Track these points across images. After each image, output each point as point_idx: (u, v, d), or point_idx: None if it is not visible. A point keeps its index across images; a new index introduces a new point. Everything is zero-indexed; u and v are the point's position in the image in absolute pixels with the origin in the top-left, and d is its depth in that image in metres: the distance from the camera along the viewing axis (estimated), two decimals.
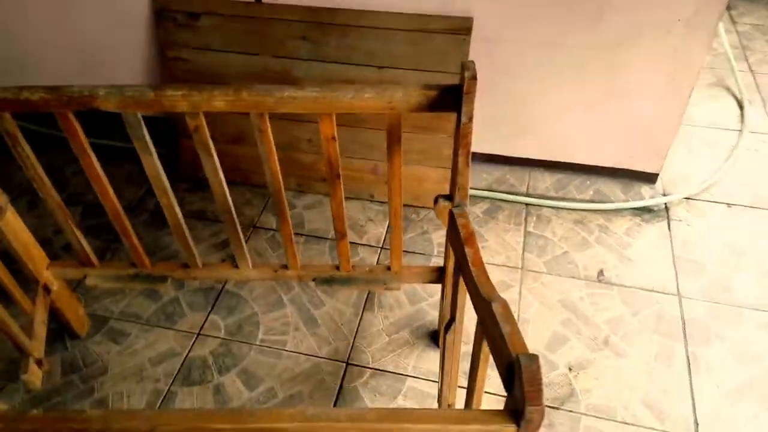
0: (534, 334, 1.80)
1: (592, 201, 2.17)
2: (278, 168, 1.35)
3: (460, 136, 1.06)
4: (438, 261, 2.02)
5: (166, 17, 2.09)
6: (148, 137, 1.32)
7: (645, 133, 2.07)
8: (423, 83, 1.19)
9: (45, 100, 1.24)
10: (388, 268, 1.56)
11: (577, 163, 2.22)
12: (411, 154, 2.10)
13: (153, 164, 1.36)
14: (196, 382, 1.72)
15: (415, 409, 0.71)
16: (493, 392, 1.64)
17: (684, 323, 1.83)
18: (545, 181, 2.25)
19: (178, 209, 1.47)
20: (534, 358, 0.69)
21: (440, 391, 1.31)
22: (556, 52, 1.92)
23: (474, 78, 1.11)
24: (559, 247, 2.04)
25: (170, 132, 2.27)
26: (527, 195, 2.21)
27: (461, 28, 1.91)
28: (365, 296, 1.91)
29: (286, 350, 1.77)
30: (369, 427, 0.71)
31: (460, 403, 1.32)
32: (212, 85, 1.22)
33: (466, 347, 1.60)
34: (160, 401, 1.68)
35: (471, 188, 2.15)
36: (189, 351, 1.79)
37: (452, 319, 1.12)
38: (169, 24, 2.10)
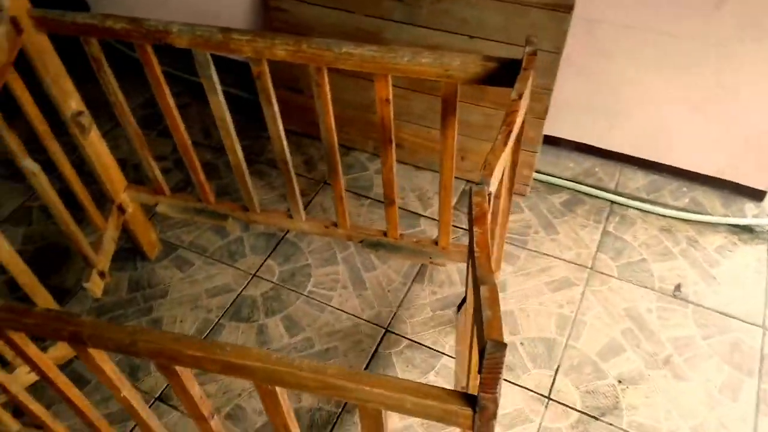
0: (588, 339, 1.69)
1: (685, 210, 1.98)
2: (333, 123, 1.34)
3: (506, 112, 0.99)
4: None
5: None
6: (215, 77, 1.35)
7: (757, 142, 1.85)
8: (485, 54, 1.12)
9: (126, 30, 1.30)
10: (436, 243, 1.52)
11: (676, 166, 2.03)
12: (492, 131, 2.01)
13: (219, 104, 1.40)
14: (244, 320, 1.79)
15: (380, 375, 0.69)
16: (510, 380, 1.58)
17: (762, 358, 1.64)
18: (637, 180, 2.09)
19: (240, 152, 1.51)
20: (501, 346, 0.64)
21: (455, 372, 1.26)
22: (663, 40, 1.75)
23: (534, 54, 1.03)
24: (638, 252, 1.89)
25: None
26: (615, 192, 2.06)
27: (562, 5, 1.78)
28: (417, 268, 1.88)
29: (330, 306, 1.80)
30: (328, 381, 0.70)
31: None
32: (274, 33, 1.23)
33: None
34: (208, 331, 1.77)
35: (552, 176, 2.06)
36: (243, 289, 1.86)
37: (464, 299, 1.07)
38: None
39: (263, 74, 1.30)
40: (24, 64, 1.37)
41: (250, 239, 2.00)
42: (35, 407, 1.14)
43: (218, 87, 1.37)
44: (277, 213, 1.65)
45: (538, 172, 2.13)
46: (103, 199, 1.73)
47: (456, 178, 2.11)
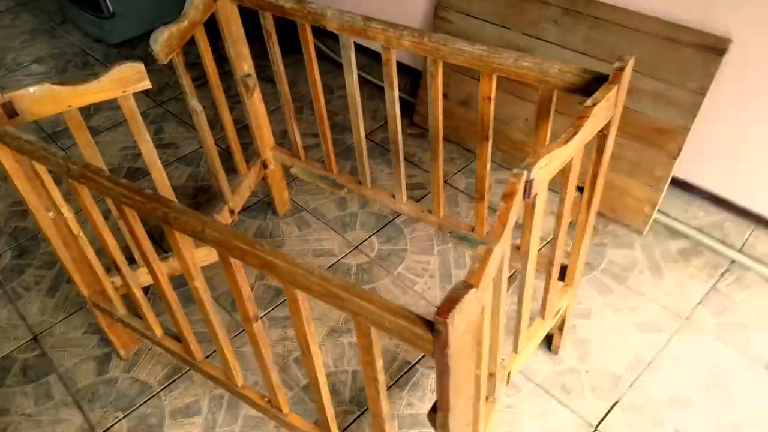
0: (659, 384, 1.64)
1: None
2: (441, 114, 1.48)
3: (577, 117, 1.06)
4: (600, 277, 1.93)
5: None
6: (353, 59, 1.56)
7: None
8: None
9: (293, 9, 1.55)
10: (518, 248, 1.59)
11: None
12: (620, 162, 2.01)
13: (352, 83, 1.61)
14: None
15: (373, 294, 0.82)
16: (563, 401, 1.58)
17: None
18: (767, 245, 1.95)
19: (362, 131, 1.70)
20: (468, 286, 0.74)
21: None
22: None
23: (620, 69, 1.08)
24: (743, 316, 1.78)
25: (417, 85, 2.54)
26: (739, 251, 1.95)
27: (714, 47, 1.76)
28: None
29: (413, 290, 1.93)
30: (329, 288, 0.84)
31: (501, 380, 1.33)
32: (404, 26, 1.40)
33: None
34: None
35: (677, 221, 2.00)
36: (343, 257, 2.06)
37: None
38: None
39: (390, 61, 1.47)
40: (213, 26, 1.68)
41: (363, 216, 2.20)
42: (144, 302, 1.42)
43: (354, 68, 1.57)
44: (384, 192, 1.81)
45: (662, 213, 2.08)
46: (252, 154, 2.03)
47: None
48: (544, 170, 0.99)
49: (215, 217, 1.85)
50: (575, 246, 1.41)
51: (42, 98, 1.27)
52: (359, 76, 2.41)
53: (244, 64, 1.80)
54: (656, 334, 1.76)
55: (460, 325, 0.74)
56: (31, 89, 1.25)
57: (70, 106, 1.32)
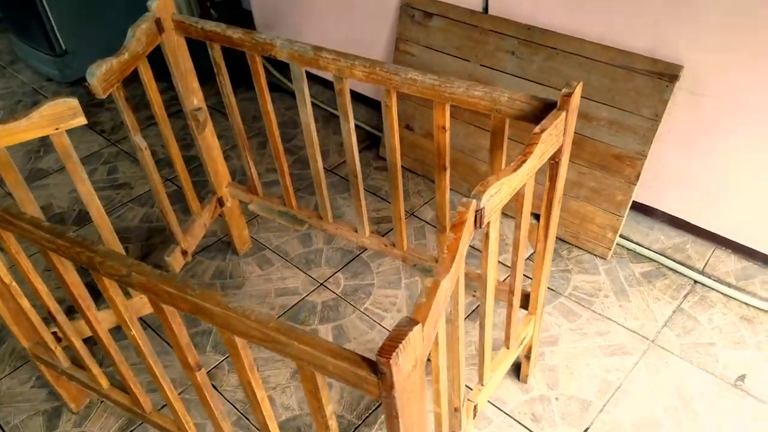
0: (627, 407, 1.61)
1: None
2: (398, 144, 1.45)
3: (527, 143, 1.04)
4: (567, 303, 1.91)
5: (407, 12, 2.32)
6: (306, 90, 1.53)
7: None
8: (531, 94, 1.18)
9: (242, 40, 1.53)
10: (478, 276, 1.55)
11: None
12: (581, 189, 2.01)
13: (306, 115, 1.58)
14: (299, 322, 1.92)
15: (313, 336, 0.77)
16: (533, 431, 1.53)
17: None
18: (728, 264, 1.95)
19: (320, 162, 1.67)
20: (412, 322, 0.70)
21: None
22: None
23: (567, 96, 1.07)
24: (709, 336, 1.77)
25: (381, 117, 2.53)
26: (700, 272, 1.95)
27: (666, 74, 1.78)
28: (473, 307, 1.90)
29: (381, 325, 1.87)
30: (268, 333, 0.79)
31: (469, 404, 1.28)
32: (356, 56, 1.38)
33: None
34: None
35: (640, 245, 2.00)
36: (307, 295, 2.00)
37: None
38: (407, 19, 2.33)
39: (343, 92, 1.45)
40: (161, 58, 1.64)
41: (328, 252, 2.15)
42: (85, 353, 1.34)
43: (308, 99, 1.54)
44: (346, 226, 1.77)
45: (624, 238, 2.07)
46: (204, 191, 1.97)
47: None
48: (494, 198, 0.97)
49: (166, 259, 1.78)
50: (535, 274, 1.38)
51: None
52: (324, 109, 2.39)
53: (193, 97, 1.77)
54: (623, 357, 1.73)
55: (405, 364, 0.69)
56: None
57: None
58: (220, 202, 2.01)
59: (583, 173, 2.00)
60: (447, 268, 0.82)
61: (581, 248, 2.08)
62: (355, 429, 1.63)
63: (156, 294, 0.90)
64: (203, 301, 0.83)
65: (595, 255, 2.05)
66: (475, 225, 0.96)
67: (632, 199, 1.94)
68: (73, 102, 1.33)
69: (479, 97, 1.21)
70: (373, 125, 2.65)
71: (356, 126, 2.66)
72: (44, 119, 1.32)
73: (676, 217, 2.04)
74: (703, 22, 1.64)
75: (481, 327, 1.21)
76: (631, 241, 2.08)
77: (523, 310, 1.50)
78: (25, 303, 1.35)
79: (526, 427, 1.59)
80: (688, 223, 2.02)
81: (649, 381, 1.67)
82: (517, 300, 1.32)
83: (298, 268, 2.10)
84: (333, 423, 0.90)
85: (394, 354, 0.67)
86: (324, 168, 1.70)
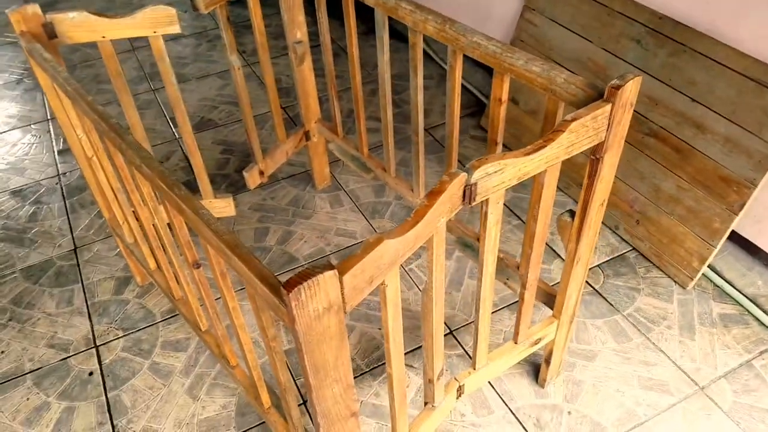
0: None
1: None
2: (458, 108, 1.42)
3: (553, 129, 0.97)
4: (621, 322, 1.78)
5: None
6: (386, 38, 1.53)
7: None
8: (590, 81, 1.08)
9: None
10: (518, 267, 1.50)
11: None
12: (678, 207, 1.83)
13: (383, 63, 1.58)
14: None
15: (252, 255, 0.80)
16: None
17: None
18: None
19: (390, 114, 1.67)
20: (328, 267, 0.70)
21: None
22: None
23: (616, 88, 0.97)
24: (767, 401, 1.56)
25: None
26: None
27: None
28: (506, 294, 1.83)
29: (418, 287, 1.87)
30: (218, 243, 0.83)
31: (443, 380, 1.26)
32: (431, 10, 1.35)
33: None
34: (318, 257, 2.00)
35: (729, 284, 1.81)
36: (362, 241, 2.04)
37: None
38: None
39: (416, 45, 1.43)
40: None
41: (395, 206, 2.17)
42: (137, 232, 1.47)
43: (386, 47, 1.54)
44: (405, 183, 1.77)
45: (715, 272, 1.87)
46: (292, 126, 2.05)
47: (624, 240, 1.98)
48: (493, 177, 0.92)
49: (244, 174, 1.90)
50: (563, 277, 1.30)
51: (79, 25, 1.36)
52: (442, 68, 2.33)
53: (297, 30, 1.83)
54: (661, 395, 1.59)
55: (312, 303, 0.71)
56: (71, 15, 1.34)
57: (104, 36, 1.40)
58: (307, 136, 2.09)
59: (682, 188, 1.82)
60: (401, 231, 0.81)
61: (662, 270, 1.90)
62: (361, 374, 1.66)
63: (155, 187, 0.98)
64: (182, 202, 0.89)
65: (675, 281, 1.87)
66: (464, 200, 0.92)
67: (731, 229, 1.73)
68: (171, 10, 1.45)
69: (536, 74, 1.14)
70: (485, 93, 2.58)
71: (467, 90, 2.61)
72: (146, 21, 1.45)
73: None
74: None
75: (476, 311, 1.17)
76: (722, 277, 1.87)
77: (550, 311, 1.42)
78: (101, 176, 1.52)
79: (526, 430, 1.53)
80: None
81: (680, 428, 1.52)
82: (530, 295, 1.26)
83: (363, 214, 2.15)
84: (277, 346, 0.93)
85: (296, 289, 0.68)
86: (424, 128, 1.70)
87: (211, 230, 0.84)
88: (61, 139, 2.61)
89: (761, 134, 1.62)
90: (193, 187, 2.29)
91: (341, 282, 0.73)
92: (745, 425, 1.52)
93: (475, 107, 2.60)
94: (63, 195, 2.32)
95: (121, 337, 1.80)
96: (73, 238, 2.13)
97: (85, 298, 1.92)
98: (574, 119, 0.96)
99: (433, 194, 0.85)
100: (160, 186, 0.94)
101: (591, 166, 1.09)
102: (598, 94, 1.05)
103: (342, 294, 0.73)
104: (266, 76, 1.83)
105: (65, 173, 2.43)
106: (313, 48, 1.91)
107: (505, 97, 1.27)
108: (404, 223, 0.83)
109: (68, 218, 2.21)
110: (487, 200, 0.97)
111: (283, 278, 1.89)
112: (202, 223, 0.85)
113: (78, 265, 2.03)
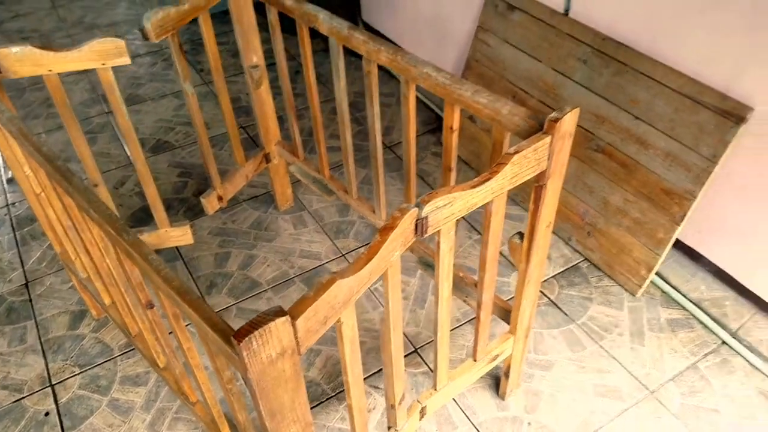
0: None
1: None
2: (413, 135, 1.45)
3: (497, 162, 1.01)
4: (576, 331, 1.84)
5: (492, 2, 2.27)
6: (342, 65, 1.55)
7: None
8: (531, 112, 1.13)
9: (292, 8, 1.57)
10: (475, 285, 1.54)
11: None
12: (625, 218, 1.91)
13: (339, 89, 1.60)
14: (310, 286, 1.98)
15: (203, 303, 0.81)
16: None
17: None
18: (765, 333, 1.78)
19: (349, 138, 1.69)
20: (279, 313, 0.72)
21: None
22: None
23: (555, 120, 1.02)
24: (715, 402, 1.64)
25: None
26: (732, 334, 1.80)
27: (734, 114, 1.63)
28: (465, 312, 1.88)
29: (383, 306, 1.90)
30: (168, 291, 0.84)
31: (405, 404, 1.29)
32: (384, 41, 1.38)
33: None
34: (280, 281, 2.01)
35: (676, 290, 1.88)
36: (327, 262, 2.07)
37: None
38: (491, 9, 2.28)
39: (371, 74, 1.46)
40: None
41: (359, 225, 2.19)
42: (91, 268, 1.46)
43: (342, 74, 1.57)
44: (367, 205, 1.80)
45: (662, 278, 1.95)
46: (253, 146, 2.06)
47: (576, 251, 2.05)
48: (443, 210, 0.96)
49: (201, 200, 1.90)
50: (516, 295, 1.34)
51: (24, 59, 1.35)
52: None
53: (253, 54, 1.84)
54: (614, 401, 1.65)
55: (264, 350, 0.72)
56: (14, 49, 1.33)
57: (50, 70, 1.39)
58: (267, 158, 2.10)
59: (629, 201, 1.89)
60: (355, 269, 0.84)
61: (612, 279, 1.98)
62: (327, 399, 1.68)
63: (104, 231, 0.98)
64: (131, 248, 0.90)
65: (625, 289, 1.95)
66: (416, 233, 0.95)
67: (675, 238, 1.81)
68: (120, 42, 1.45)
69: (483, 105, 1.18)
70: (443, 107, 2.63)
71: (427, 107, 2.66)
72: (93, 53, 1.44)
73: (723, 270, 1.89)
74: None
75: (435, 333, 1.21)
76: (669, 284, 1.95)
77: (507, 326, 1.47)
78: (51, 213, 1.50)
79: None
80: (734, 279, 1.86)
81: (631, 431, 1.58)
82: (486, 315, 1.30)
83: (327, 234, 2.17)
84: (234, 387, 0.95)
85: (246, 339, 0.70)
86: (383, 144, 1.73)
87: (161, 277, 0.85)
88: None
89: (698, 149, 1.71)
90: (148, 212, 2.28)
91: (294, 326, 0.75)
92: (692, 425, 1.59)
93: (435, 124, 2.65)
94: (12, 226, 2.27)
95: (78, 374, 1.77)
96: (24, 272, 2.09)
97: (39, 334, 1.89)
98: (516, 152, 1.00)
99: (386, 230, 0.88)
100: (108, 231, 0.95)
101: (535, 193, 1.14)
102: (539, 125, 1.09)
103: (296, 338, 0.76)
104: (222, 100, 1.83)
105: (14, 203, 2.38)
106: (271, 66, 1.92)
107: (456, 125, 1.31)
108: (358, 260, 0.85)
109: (18, 251, 2.16)
110: (438, 231, 1.00)
111: (247, 305, 1.92)
112: (152, 270, 0.86)
113: (30, 300, 1.99)
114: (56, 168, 1.04)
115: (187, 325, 1.81)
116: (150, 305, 1.13)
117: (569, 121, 1.04)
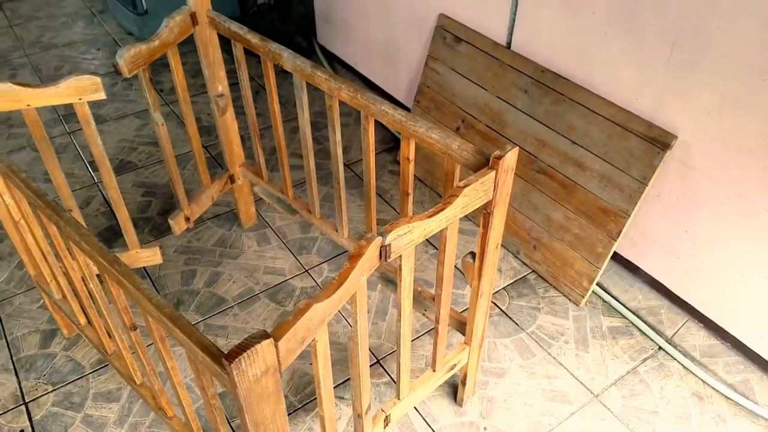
0: None
1: (732, 387, 1.84)
2: (373, 164, 1.58)
3: (449, 194, 1.15)
4: (526, 340, 1.99)
5: (440, 34, 2.42)
6: (305, 100, 1.67)
7: None
8: (479, 149, 1.27)
9: (257, 45, 1.68)
10: (433, 299, 1.67)
11: (740, 340, 1.89)
12: (567, 234, 2.07)
13: (303, 120, 1.72)
14: (276, 301, 2.09)
15: (191, 327, 0.91)
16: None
17: None
18: (697, 338, 1.97)
19: (312, 162, 1.81)
20: (265, 336, 0.83)
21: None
22: (753, 211, 1.68)
23: (498, 158, 1.16)
24: (654, 404, 1.81)
25: None
26: (668, 340, 1.98)
27: (659, 141, 1.81)
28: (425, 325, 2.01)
29: (347, 321, 2.01)
30: (159, 316, 0.94)
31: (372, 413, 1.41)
32: (344, 79, 1.51)
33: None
34: (246, 297, 2.10)
35: (615, 299, 2.05)
36: (291, 278, 2.17)
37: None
38: (439, 40, 2.43)
39: (333, 108, 1.58)
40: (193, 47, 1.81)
41: (321, 242, 2.30)
42: (67, 290, 1.53)
43: (306, 107, 1.68)
44: (329, 224, 1.91)
45: (603, 289, 2.12)
46: (217, 168, 2.15)
47: (524, 264, 2.21)
48: (404, 237, 1.08)
49: (170, 221, 1.98)
50: (470, 309, 1.48)
51: (3, 95, 1.42)
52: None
53: (218, 84, 1.94)
54: (562, 405, 1.80)
55: (252, 370, 0.83)
56: None
57: (28, 105, 1.46)
58: (232, 179, 2.19)
59: (569, 218, 2.06)
60: (328, 293, 0.95)
61: (558, 290, 2.14)
62: (294, 411, 1.78)
63: (95, 262, 1.07)
64: (123, 277, 0.99)
65: (569, 299, 2.11)
66: (381, 258, 1.08)
67: (613, 252, 1.98)
68: (96, 79, 1.53)
69: (435, 140, 1.32)
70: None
71: (383, 127, 2.79)
72: (70, 89, 1.52)
73: (657, 280, 2.07)
74: (701, 101, 1.67)
75: (398, 346, 1.33)
76: (609, 294, 2.12)
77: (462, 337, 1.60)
78: (29, 238, 1.57)
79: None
80: (667, 289, 2.05)
81: None
82: (443, 328, 1.43)
83: (290, 251, 2.27)
84: (217, 403, 1.05)
85: (237, 360, 0.80)
86: (344, 163, 1.84)
87: (153, 305, 0.95)
88: None
89: (629, 172, 1.89)
90: (115, 230, 2.33)
91: (276, 348, 0.86)
92: (633, 426, 1.76)
93: (391, 143, 2.79)
94: None
95: (51, 391, 1.82)
96: None
97: (10, 353, 1.93)
98: (466, 185, 1.14)
99: (354, 257, 0.99)
100: (99, 262, 1.04)
101: (484, 219, 1.28)
102: (485, 159, 1.24)
103: (278, 357, 0.87)
104: (189, 127, 1.92)
105: None
106: (233, 86, 2.02)
107: (412, 156, 1.44)
108: (330, 285, 0.97)
109: None
110: (400, 256, 1.13)
111: (214, 321, 2.00)
112: (143, 298, 0.96)
113: (0, 320, 2.03)
114: (47, 203, 1.13)
115: (173, 346, 1.88)
116: (133, 327, 1.22)
117: (510, 158, 1.19)
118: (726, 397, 1.81)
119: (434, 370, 1.54)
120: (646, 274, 2.09)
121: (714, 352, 1.93)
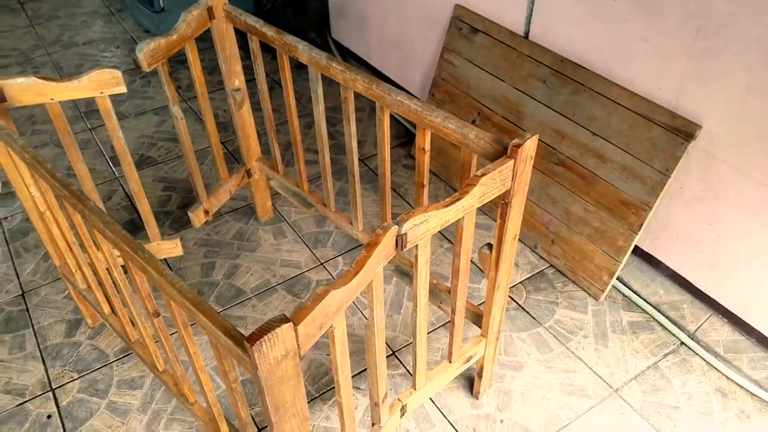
0: None
1: (757, 383, 1.81)
2: (388, 155, 1.57)
3: (466, 183, 1.14)
4: (544, 334, 1.97)
5: (456, 24, 2.41)
6: (320, 92, 1.67)
7: None
8: (496, 137, 1.26)
9: (273, 38, 1.69)
10: (449, 292, 1.66)
11: (766, 335, 1.86)
12: (586, 227, 2.05)
13: (319, 112, 1.72)
14: (293, 293, 2.10)
15: (214, 311, 0.92)
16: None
17: None
18: (721, 334, 1.94)
19: (327, 156, 1.81)
20: (284, 320, 0.83)
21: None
22: None
23: (517, 146, 1.15)
24: (675, 399, 1.79)
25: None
26: (690, 335, 1.95)
27: (683, 131, 1.79)
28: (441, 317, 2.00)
29: (362, 313, 2.01)
30: (182, 301, 0.95)
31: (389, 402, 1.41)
32: (359, 71, 1.51)
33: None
34: (263, 289, 2.11)
35: (636, 294, 2.03)
36: (307, 270, 2.18)
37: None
38: (455, 31, 2.42)
39: (348, 99, 1.58)
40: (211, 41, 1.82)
41: (336, 236, 2.31)
42: (92, 279, 1.55)
43: (321, 100, 1.69)
44: (344, 217, 1.92)
45: (623, 283, 2.10)
46: (234, 163, 2.16)
47: (542, 258, 2.19)
48: (420, 227, 1.08)
49: (189, 214, 1.99)
50: (487, 301, 1.47)
51: (28, 89, 1.44)
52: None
53: (235, 79, 1.95)
54: (581, 399, 1.79)
55: (272, 352, 0.84)
56: (19, 80, 1.42)
57: (52, 99, 1.48)
58: (249, 173, 2.20)
59: (589, 211, 2.04)
60: (345, 281, 0.95)
61: (576, 284, 2.12)
62: (312, 400, 1.79)
63: (119, 249, 1.09)
64: (147, 264, 1.00)
65: (589, 294, 2.09)
66: (397, 247, 1.07)
67: (634, 245, 1.96)
68: (117, 73, 1.54)
69: (452, 130, 1.31)
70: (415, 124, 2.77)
71: (397, 121, 2.79)
72: (92, 83, 1.54)
73: (679, 275, 2.04)
74: (726, 90, 1.64)
75: (414, 336, 1.33)
76: (630, 288, 2.10)
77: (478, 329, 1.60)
78: (55, 230, 1.59)
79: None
80: (690, 283, 2.02)
81: (598, 428, 1.72)
82: (459, 320, 1.43)
83: (306, 244, 2.28)
84: (238, 387, 1.05)
85: (258, 342, 0.81)
86: (358, 158, 1.84)
87: (176, 290, 0.96)
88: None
89: (652, 163, 1.86)
90: (137, 224, 2.36)
91: (296, 331, 0.86)
92: (653, 421, 1.73)
93: (405, 137, 2.79)
94: (6, 240, 2.33)
95: (77, 378, 1.85)
96: (20, 283, 2.16)
97: (37, 342, 1.96)
98: (483, 174, 1.13)
99: (371, 246, 0.99)
100: (124, 249, 1.05)
101: (501, 209, 1.27)
102: (503, 148, 1.23)
103: (297, 341, 0.87)
104: (208, 123, 1.94)
105: (6, 218, 2.44)
106: (249, 81, 2.03)
107: (427, 147, 1.44)
108: (347, 273, 0.97)
109: (13, 263, 2.23)
110: (416, 246, 1.13)
111: (233, 312, 2.02)
112: (167, 283, 0.97)
113: (27, 310, 2.06)
114: (72, 193, 1.14)
115: (196, 333, 1.90)
116: (156, 314, 1.23)
117: (530, 146, 1.18)
118: (751, 393, 1.78)
119: (450, 362, 1.54)
120: (668, 268, 2.07)
121: (739, 347, 1.90)
